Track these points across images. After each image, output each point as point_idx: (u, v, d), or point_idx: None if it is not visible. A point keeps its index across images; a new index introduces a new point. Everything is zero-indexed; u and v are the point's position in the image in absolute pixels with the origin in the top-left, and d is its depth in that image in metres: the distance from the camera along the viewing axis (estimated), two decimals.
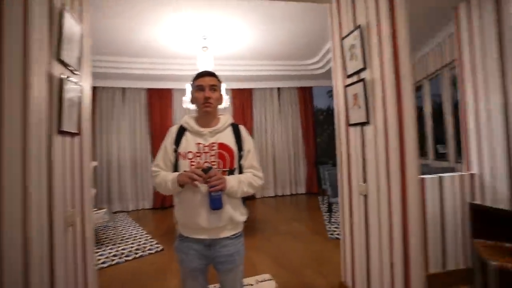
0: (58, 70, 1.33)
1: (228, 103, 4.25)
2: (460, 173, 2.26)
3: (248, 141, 1.33)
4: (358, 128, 1.92)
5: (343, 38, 2.01)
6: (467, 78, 2.40)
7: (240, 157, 1.28)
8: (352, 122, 1.97)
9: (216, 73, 1.34)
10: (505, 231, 1.62)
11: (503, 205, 1.76)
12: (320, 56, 5.55)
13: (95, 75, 5.36)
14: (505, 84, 2.08)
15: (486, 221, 1.65)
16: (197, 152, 1.23)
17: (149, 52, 4.85)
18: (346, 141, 2.09)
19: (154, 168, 1.30)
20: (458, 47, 2.50)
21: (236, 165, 1.26)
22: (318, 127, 6.86)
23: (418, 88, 4.75)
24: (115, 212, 5.63)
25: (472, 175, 2.25)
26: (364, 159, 1.85)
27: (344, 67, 2.03)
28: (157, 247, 3.45)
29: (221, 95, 1.33)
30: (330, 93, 6.91)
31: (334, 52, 2.22)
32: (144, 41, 4.37)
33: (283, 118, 6.79)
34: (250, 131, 6.49)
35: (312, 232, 3.81)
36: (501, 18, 2.11)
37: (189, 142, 1.25)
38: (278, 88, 6.78)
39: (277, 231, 3.94)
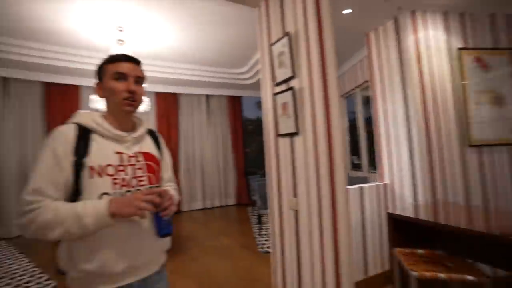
0: None
1: (150, 107, 3.76)
2: (376, 183, 2.43)
3: (167, 150, 1.13)
4: (287, 139, 1.83)
5: (272, 45, 1.92)
6: (378, 96, 2.65)
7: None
8: (281, 132, 1.88)
9: None
10: (417, 238, 1.75)
11: (409, 212, 1.91)
12: (249, 66, 5.56)
13: None
14: (407, 104, 2.35)
15: (401, 229, 1.76)
16: (119, 165, 0.89)
17: (48, 35, 3.94)
18: (276, 152, 1.98)
19: (32, 197, 0.77)
20: (370, 70, 2.76)
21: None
22: (247, 137, 6.86)
23: None
24: None
25: (385, 185, 2.45)
26: (294, 172, 1.77)
27: (273, 75, 1.94)
28: (47, 285, 2.69)
29: (144, 92, 1.01)
30: (259, 104, 7.04)
31: (263, 59, 2.12)
32: (38, 19, 3.50)
33: (212, 127, 6.53)
34: (176, 139, 6.01)
35: (241, 246, 3.62)
36: (401, 47, 2.40)
37: (104, 151, 0.88)
38: (207, 96, 6.52)
39: (204, 248, 3.61)
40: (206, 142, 6.42)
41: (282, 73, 1.85)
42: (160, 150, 1.07)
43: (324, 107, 1.56)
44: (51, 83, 4.95)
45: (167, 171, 1.08)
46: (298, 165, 1.73)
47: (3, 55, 4.15)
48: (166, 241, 0.99)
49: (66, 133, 0.86)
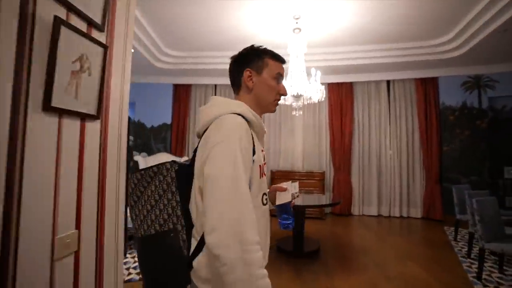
0: (52, 10, 0.83)
1: (324, 97, 3.39)
2: None
3: None
4: None
5: None
6: None
7: None
8: None
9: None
10: None
11: None
12: (457, 30, 3.96)
13: (187, 73, 5.43)
14: None
15: None
16: (264, 163, 0.85)
17: (235, 44, 4.50)
18: None
19: (254, 237, 0.64)
20: None
21: None
22: (445, 131, 5.08)
23: None
24: None
25: None
26: None
27: None
28: None
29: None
30: (466, 84, 5.01)
31: None
32: (228, 30, 4.01)
33: (393, 119, 5.34)
34: (349, 133, 5.38)
35: (446, 286, 2.50)
36: None
37: (258, 148, 0.82)
38: (388, 81, 5.39)
39: (385, 272, 2.80)
40: (386, 136, 5.33)
41: None
42: None
43: None
44: None
45: None
46: None
47: (213, 66, 5.18)
48: None
49: (245, 126, 0.75)
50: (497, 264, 2.84)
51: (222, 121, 0.73)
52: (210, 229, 0.61)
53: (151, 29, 4.12)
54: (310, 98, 3.42)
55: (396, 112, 5.32)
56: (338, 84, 5.45)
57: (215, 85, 5.88)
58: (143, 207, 0.78)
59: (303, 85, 3.24)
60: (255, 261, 0.61)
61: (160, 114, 5.75)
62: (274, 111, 0.91)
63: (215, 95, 5.90)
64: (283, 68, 0.91)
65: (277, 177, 5.30)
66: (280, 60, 0.91)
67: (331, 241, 3.77)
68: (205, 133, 0.75)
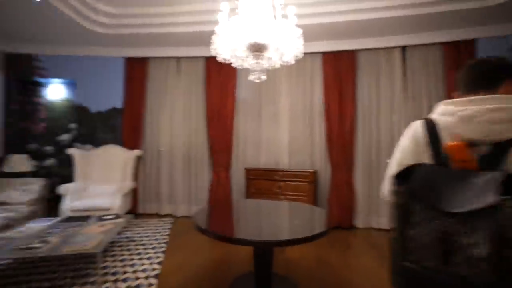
0: None
1: (301, 51, 2.10)
2: None
3: None
4: None
5: None
6: None
7: None
8: None
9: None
10: None
11: None
12: None
13: (140, 41, 4.09)
14: None
15: None
16: None
17: None
18: None
19: None
20: None
21: None
22: None
23: None
24: (164, 215, 4.43)
25: None
26: None
27: None
28: None
29: None
30: None
31: None
32: None
33: (411, 99, 3.96)
34: (352, 119, 4.05)
35: None
36: None
37: None
38: (403, 48, 4.00)
39: None
40: (400, 123, 3.96)
41: None
42: None
43: None
44: (210, 57, 4.44)
45: None
46: None
47: (171, 29, 3.87)
48: None
49: None
50: None
51: None
52: None
53: None
54: (282, 55, 2.10)
55: (414, 89, 3.94)
56: (336, 53, 4.09)
57: (178, 58, 4.59)
58: None
59: (267, 27, 1.91)
60: None
61: (108, 96, 4.52)
62: None
63: (179, 70, 4.61)
64: None
65: (253, 177, 4.01)
66: None
67: (318, 281, 2.47)
68: None
